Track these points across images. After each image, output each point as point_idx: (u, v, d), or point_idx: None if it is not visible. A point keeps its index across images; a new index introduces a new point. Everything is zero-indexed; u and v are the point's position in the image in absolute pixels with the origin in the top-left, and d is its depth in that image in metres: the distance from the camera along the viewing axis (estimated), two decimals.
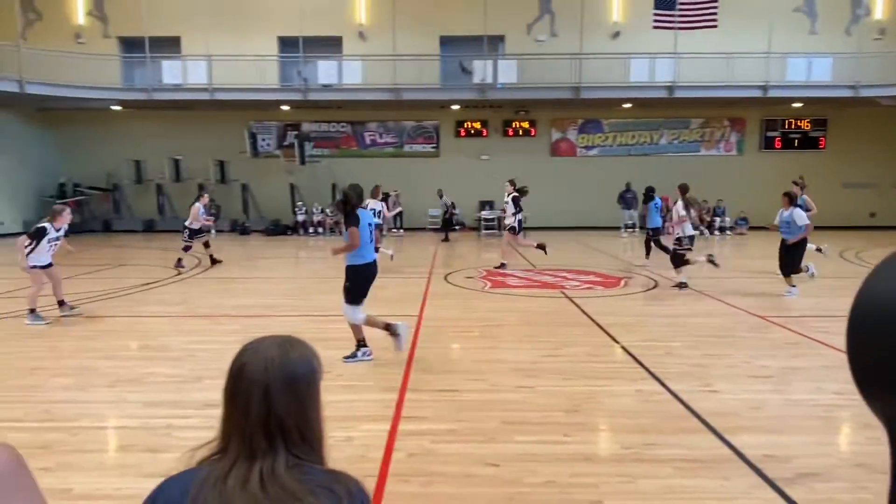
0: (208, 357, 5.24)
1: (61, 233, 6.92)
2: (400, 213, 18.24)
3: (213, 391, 4.32)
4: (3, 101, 17.90)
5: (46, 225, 6.76)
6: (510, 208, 10.62)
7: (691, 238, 8.82)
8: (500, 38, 19.33)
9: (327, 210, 19.10)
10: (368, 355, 5.13)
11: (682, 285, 8.55)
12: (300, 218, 18.93)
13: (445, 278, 9.74)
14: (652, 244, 11.16)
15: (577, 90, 17.73)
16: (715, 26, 16.76)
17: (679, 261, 8.67)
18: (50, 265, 6.85)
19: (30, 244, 6.63)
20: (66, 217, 6.96)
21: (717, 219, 18.31)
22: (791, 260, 8.12)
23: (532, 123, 20.12)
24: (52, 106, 18.79)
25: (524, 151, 20.02)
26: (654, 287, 8.90)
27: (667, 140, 20.29)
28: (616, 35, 19.16)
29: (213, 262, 11.25)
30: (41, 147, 19.83)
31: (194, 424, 3.73)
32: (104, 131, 20.06)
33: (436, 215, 20.14)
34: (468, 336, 6.03)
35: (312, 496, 0.98)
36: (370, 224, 5.15)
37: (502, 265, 10.61)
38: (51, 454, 3.30)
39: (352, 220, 4.93)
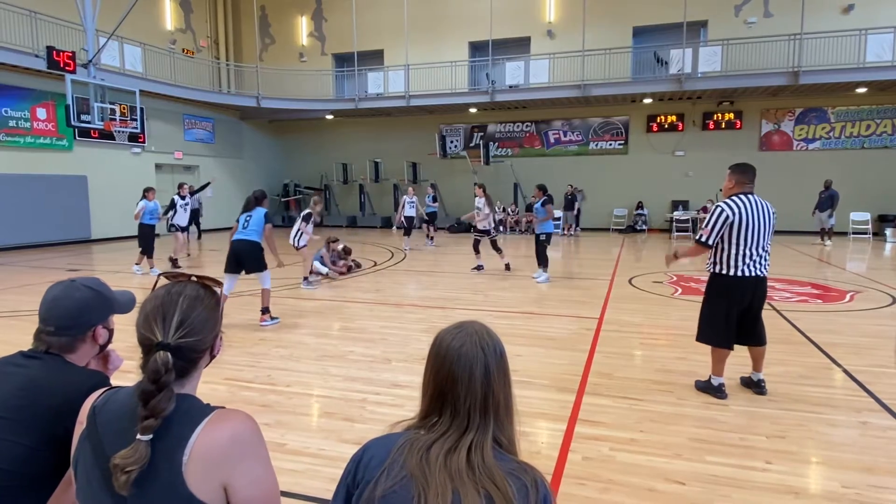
0: (397, 341, 5.69)
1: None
2: (578, 212, 18.17)
3: (400, 373, 4.68)
4: (245, 114, 21.46)
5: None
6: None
7: None
8: (702, 24, 17.79)
9: (509, 209, 19.41)
10: None
11: None
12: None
13: (630, 281, 9.27)
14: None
15: (796, 75, 15.54)
16: None
17: None
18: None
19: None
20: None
21: None
22: None
23: (738, 115, 18.15)
24: (279, 117, 22.00)
25: (727, 146, 18.17)
26: (893, 303, 7.45)
27: None
28: (849, 9, 16.38)
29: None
30: (270, 152, 23.31)
31: (384, 401, 4.06)
32: (318, 138, 22.90)
33: (621, 215, 19.29)
34: (653, 344, 5.65)
35: (505, 481, 1.01)
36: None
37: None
38: (271, 412, 3.86)
39: None
